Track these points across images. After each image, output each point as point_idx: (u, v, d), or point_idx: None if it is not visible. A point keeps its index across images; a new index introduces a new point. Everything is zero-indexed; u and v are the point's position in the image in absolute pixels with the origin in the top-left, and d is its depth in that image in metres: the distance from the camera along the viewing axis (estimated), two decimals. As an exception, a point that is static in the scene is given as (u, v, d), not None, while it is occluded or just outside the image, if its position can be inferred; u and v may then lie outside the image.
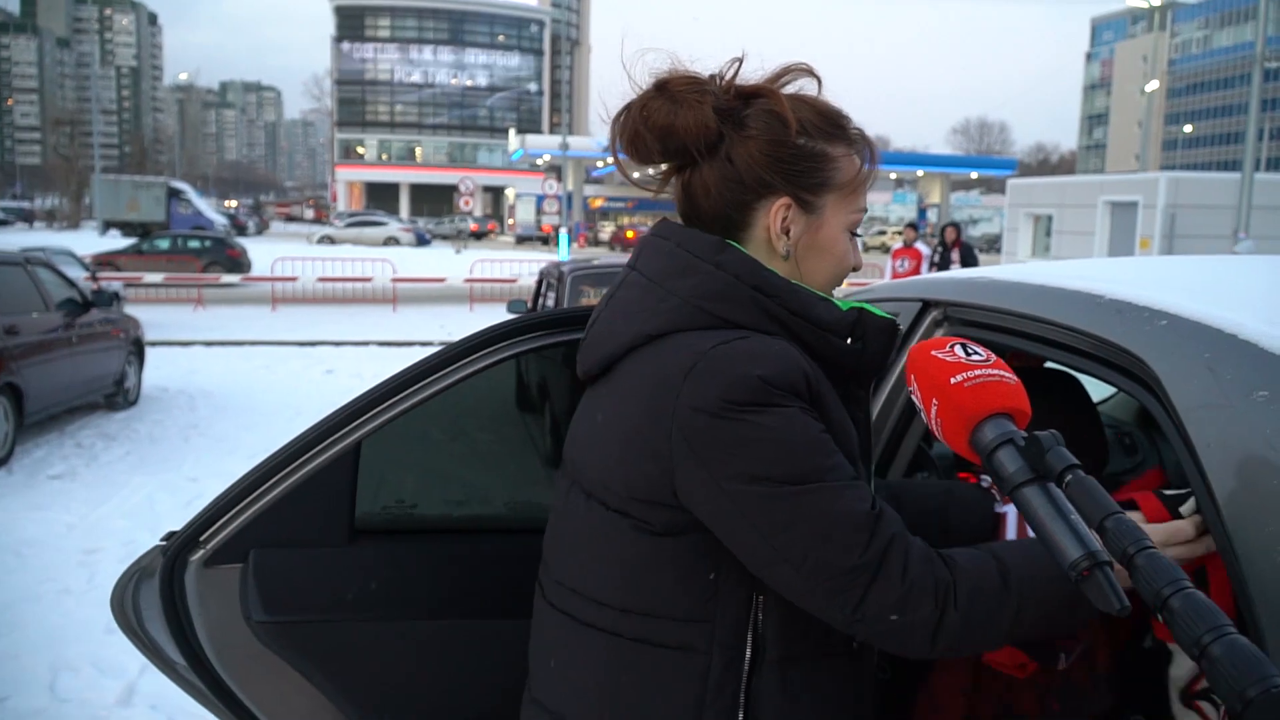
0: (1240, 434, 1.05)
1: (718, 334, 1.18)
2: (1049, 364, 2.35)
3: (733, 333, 1.18)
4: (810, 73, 1.29)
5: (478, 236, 55.99)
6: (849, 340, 1.24)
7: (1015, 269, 1.84)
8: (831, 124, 1.26)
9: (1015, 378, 1.08)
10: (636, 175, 1.33)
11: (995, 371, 1.07)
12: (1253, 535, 0.99)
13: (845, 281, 1.37)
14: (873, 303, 2.13)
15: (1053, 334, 1.48)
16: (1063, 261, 2.08)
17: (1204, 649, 0.80)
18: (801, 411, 1.14)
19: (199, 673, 1.57)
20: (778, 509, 1.10)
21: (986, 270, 1.90)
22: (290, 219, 79.43)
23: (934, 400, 1.08)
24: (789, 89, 1.28)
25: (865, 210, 1.30)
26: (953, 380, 1.06)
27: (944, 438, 1.08)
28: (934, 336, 1.92)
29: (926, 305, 1.92)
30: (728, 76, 1.26)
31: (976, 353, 1.10)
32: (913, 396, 1.13)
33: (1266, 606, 0.95)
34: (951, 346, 1.11)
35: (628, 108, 1.25)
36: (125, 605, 1.62)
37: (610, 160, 1.31)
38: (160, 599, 1.54)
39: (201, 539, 1.53)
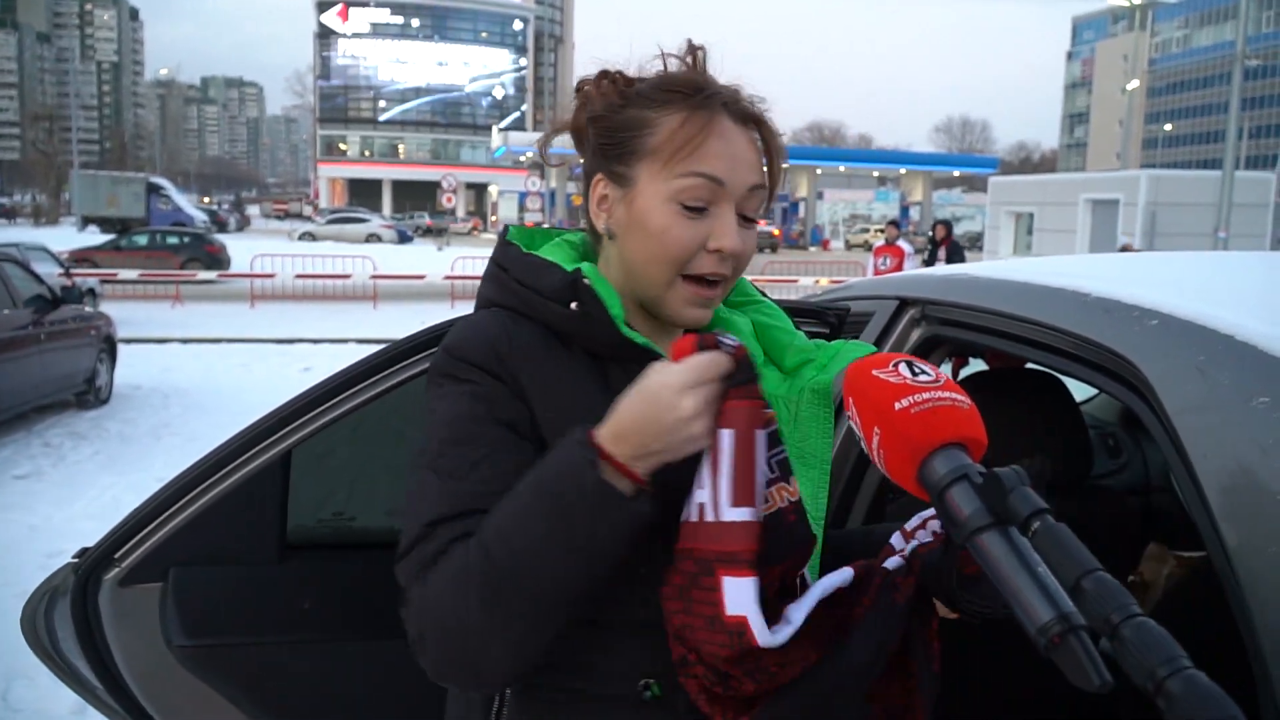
0: (1238, 443, 0.97)
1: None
2: (1030, 364, 2.29)
3: (474, 312, 1.19)
4: (691, 49, 1.17)
5: (432, 233, 55.70)
6: (571, 305, 1.10)
7: (997, 265, 1.76)
8: (664, 89, 1.12)
9: (969, 401, 0.93)
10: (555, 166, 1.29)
11: (947, 394, 0.92)
12: (1251, 549, 0.93)
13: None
14: (848, 299, 2.07)
15: (1035, 334, 1.40)
16: (1046, 258, 2.00)
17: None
18: (469, 385, 1.07)
19: (118, 698, 1.47)
20: (408, 489, 1.06)
21: (966, 267, 1.82)
22: (287, 215, 79.02)
23: (875, 429, 0.92)
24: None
25: (707, 178, 1.08)
26: (897, 405, 0.91)
27: (888, 471, 0.93)
28: (911, 335, 1.84)
29: (904, 303, 1.84)
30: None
31: (924, 372, 0.95)
32: (851, 423, 0.97)
33: (1264, 618, 0.90)
34: (895, 365, 0.96)
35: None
36: (38, 626, 1.51)
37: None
38: (73, 621, 1.43)
39: (116, 556, 1.42)
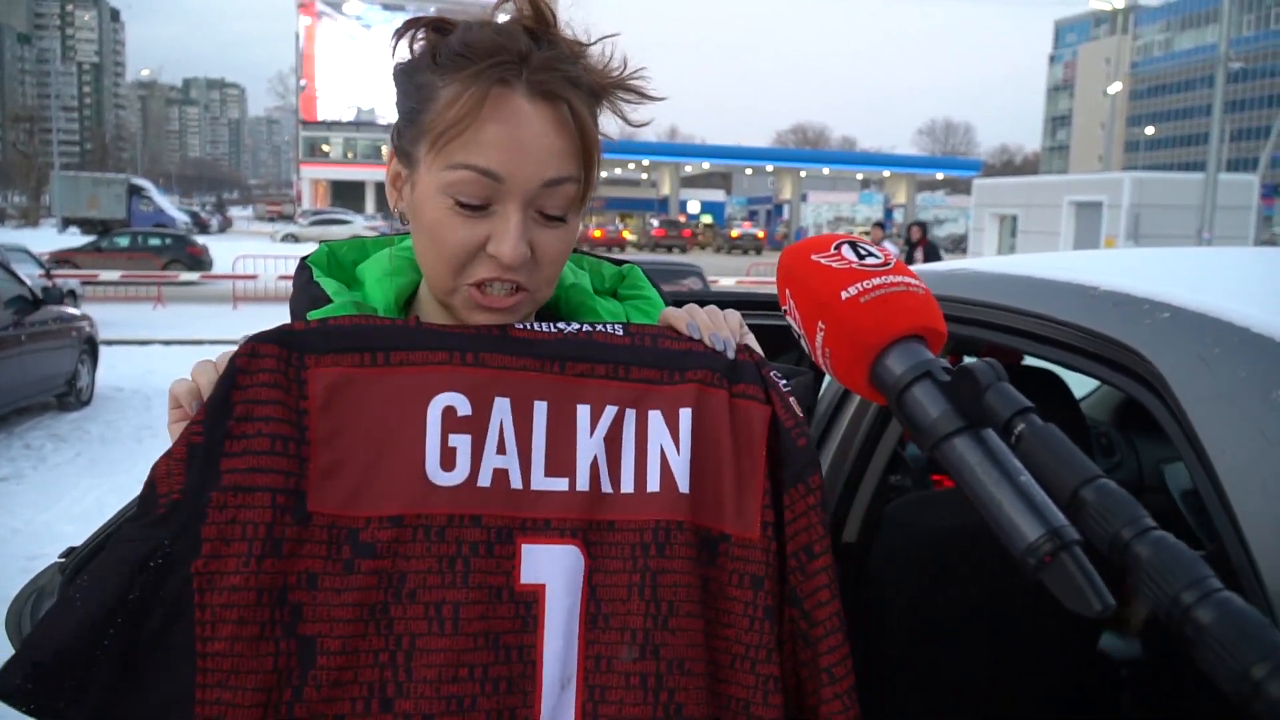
0: (1257, 436, 0.95)
1: None
2: (1028, 361, 2.28)
3: None
4: (530, 6, 0.92)
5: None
6: None
7: (998, 261, 1.74)
8: (457, 52, 0.89)
9: (924, 286, 0.81)
10: None
11: (900, 279, 0.79)
12: (1273, 543, 0.90)
13: None
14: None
15: (1042, 329, 1.38)
16: (1049, 254, 1.99)
17: (1257, 687, 0.54)
18: None
19: None
20: None
21: (968, 262, 1.80)
22: (280, 216, 78.74)
23: (820, 324, 0.79)
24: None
25: (476, 169, 0.87)
26: (844, 294, 0.77)
27: (835, 373, 0.80)
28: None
29: (904, 299, 1.82)
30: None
31: (872, 254, 0.82)
32: (789, 319, 0.85)
33: None
34: (838, 247, 0.83)
35: None
36: (23, 625, 1.47)
37: None
38: None
39: None
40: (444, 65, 0.89)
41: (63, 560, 1.43)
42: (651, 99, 0.98)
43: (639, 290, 1.15)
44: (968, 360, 0.72)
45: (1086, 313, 1.28)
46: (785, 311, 0.85)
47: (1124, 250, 1.94)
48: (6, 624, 1.48)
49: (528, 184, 0.89)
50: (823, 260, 0.81)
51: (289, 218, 63.70)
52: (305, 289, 1.01)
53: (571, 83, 0.90)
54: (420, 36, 0.94)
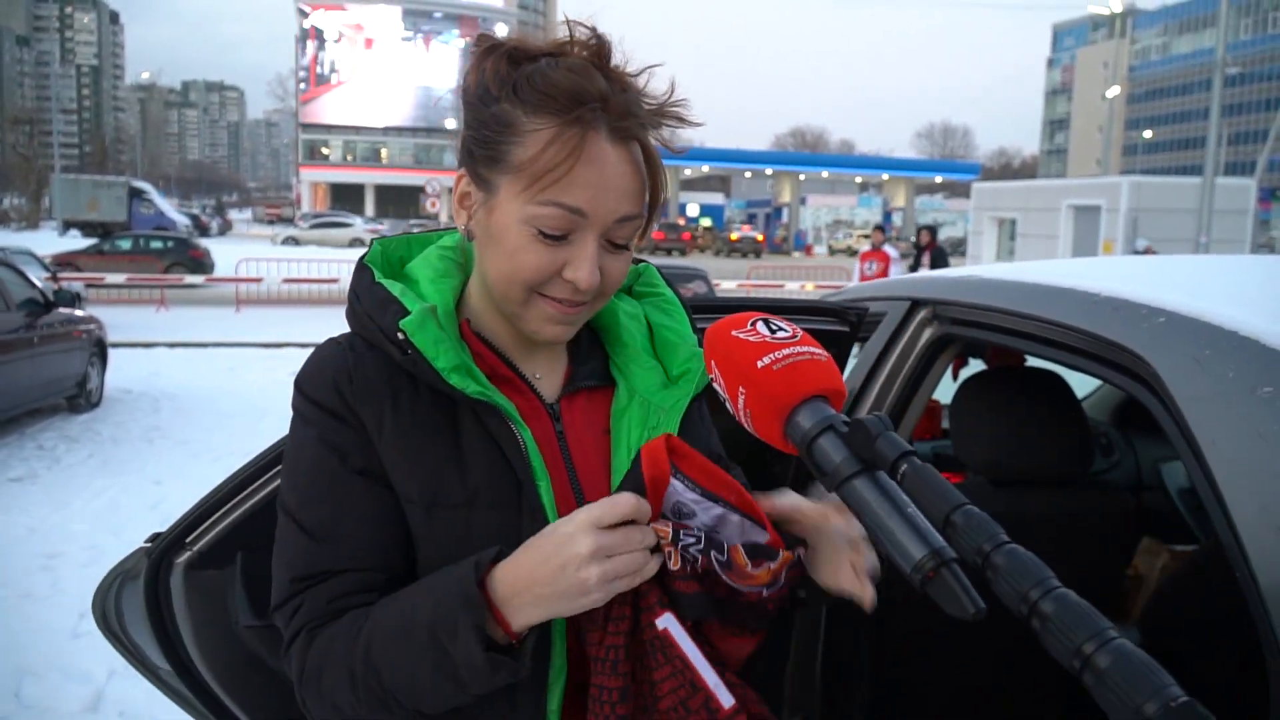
0: (1245, 431, 1.03)
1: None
2: (1030, 363, 2.37)
3: (336, 337, 1.11)
4: (594, 40, 1.01)
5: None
6: (408, 351, 1.01)
7: (1004, 267, 1.83)
8: (545, 93, 0.97)
9: (826, 354, 0.94)
10: None
11: (805, 349, 0.92)
12: (1261, 533, 0.98)
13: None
14: (859, 301, 2.14)
15: (1047, 332, 1.47)
16: (1051, 260, 2.08)
17: (1087, 660, 0.66)
18: (316, 430, 1.03)
19: (184, 678, 1.53)
20: (280, 505, 1.06)
21: (976, 269, 1.90)
22: (279, 219, 78.70)
23: (740, 389, 0.92)
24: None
25: (566, 208, 0.98)
26: (759, 364, 0.90)
27: (755, 429, 0.93)
28: (922, 334, 1.92)
29: (915, 304, 1.92)
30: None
31: (782, 329, 0.95)
32: (715, 385, 0.97)
33: (1273, 595, 0.94)
34: (754, 324, 0.95)
35: None
36: (107, 609, 1.57)
37: None
38: (144, 603, 1.49)
39: (188, 541, 1.48)
40: (528, 102, 0.98)
41: (149, 545, 1.52)
42: (694, 125, 1.07)
43: (655, 288, 1.25)
44: (862, 417, 0.84)
45: (1088, 317, 1.37)
46: (713, 379, 0.97)
47: (1121, 258, 2.03)
48: (93, 606, 1.57)
49: (606, 219, 1.00)
50: (741, 335, 0.94)
51: (288, 220, 63.69)
52: (371, 291, 1.07)
53: (643, 125, 1.01)
54: (490, 64, 1.01)
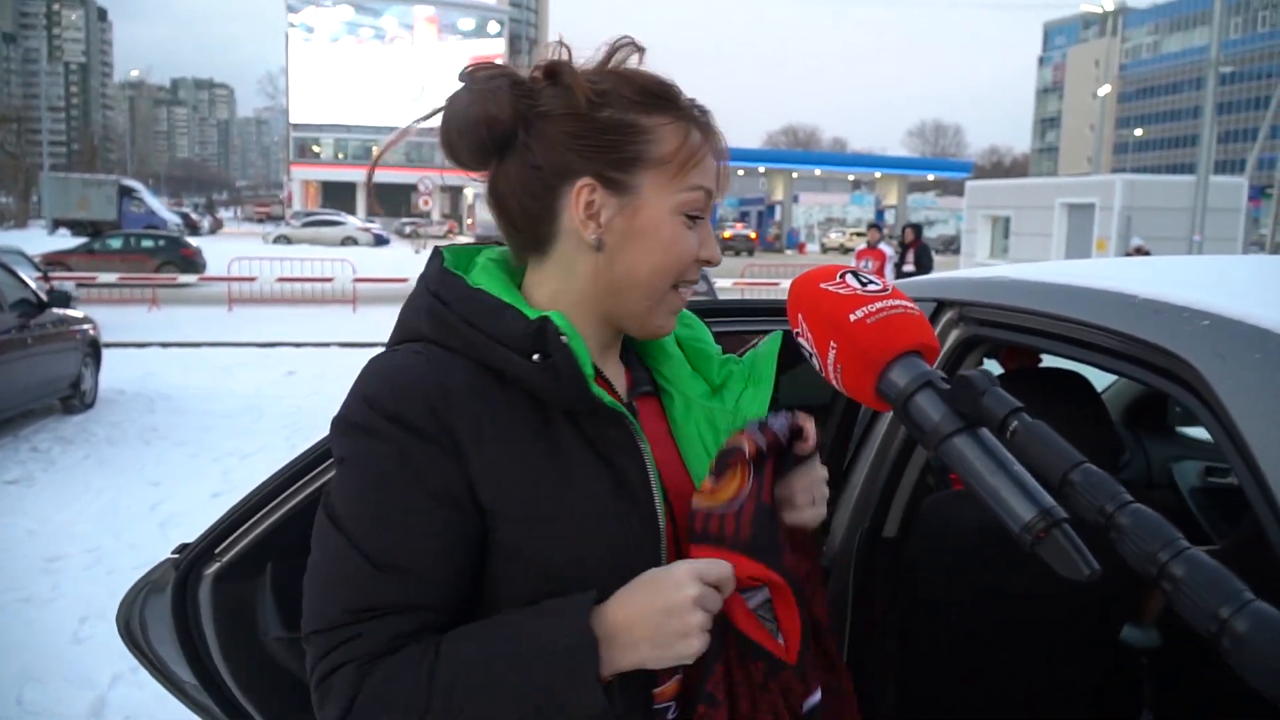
0: None
1: (393, 346, 1.07)
2: (1045, 362, 2.35)
3: (400, 346, 1.05)
4: (636, 47, 1.09)
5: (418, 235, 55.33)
6: (536, 356, 0.99)
7: (1033, 268, 1.81)
8: (648, 93, 1.05)
9: (918, 308, 0.92)
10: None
11: (898, 302, 0.91)
12: None
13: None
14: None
15: (1082, 334, 1.45)
16: (1080, 261, 2.06)
17: (1224, 624, 0.65)
18: (393, 447, 0.96)
19: (211, 692, 1.49)
20: (318, 528, 0.99)
21: (1003, 269, 1.88)
22: (268, 217, 78.50)
23: (831, 343, 0.90)
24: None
25: (707, 191, 1.06)
26: (852, 317, 0.89)
27: (844, 387, 0.91)
28: (949, 335, 1.90)
29: (941, 305, 1.90)
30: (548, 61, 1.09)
31: (872, 281, 0.94)
32: (800, 340, 0.96)
33: None
34: (843, 275, 0.94)
35: (440, 108, 1.08)
36: (132, 621, 1.54)
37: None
38: (172, 614, 1.46)
39: (216, 551, 1.45)
40: (639, 103, 1.04)
41: (176, 556, 1.49)
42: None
43: None
44: (967, 372, 0.82)
45: (1127, 319, 1.35)
46: (798, 334, 0.96)
47: (1144, 259, 2.02)
48: (118, 618, 1.54)
49: (713, 199, 1.08)
50: (830, 288, 0.93)
51: (278, 219, 63.54)
52: (472, 297, 1.03)
53: (710, 120, 1.10)
54: (573, 80, 1.04)
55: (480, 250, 1.14)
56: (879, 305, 0.89)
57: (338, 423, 1.02)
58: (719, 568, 0.95)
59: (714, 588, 0.95)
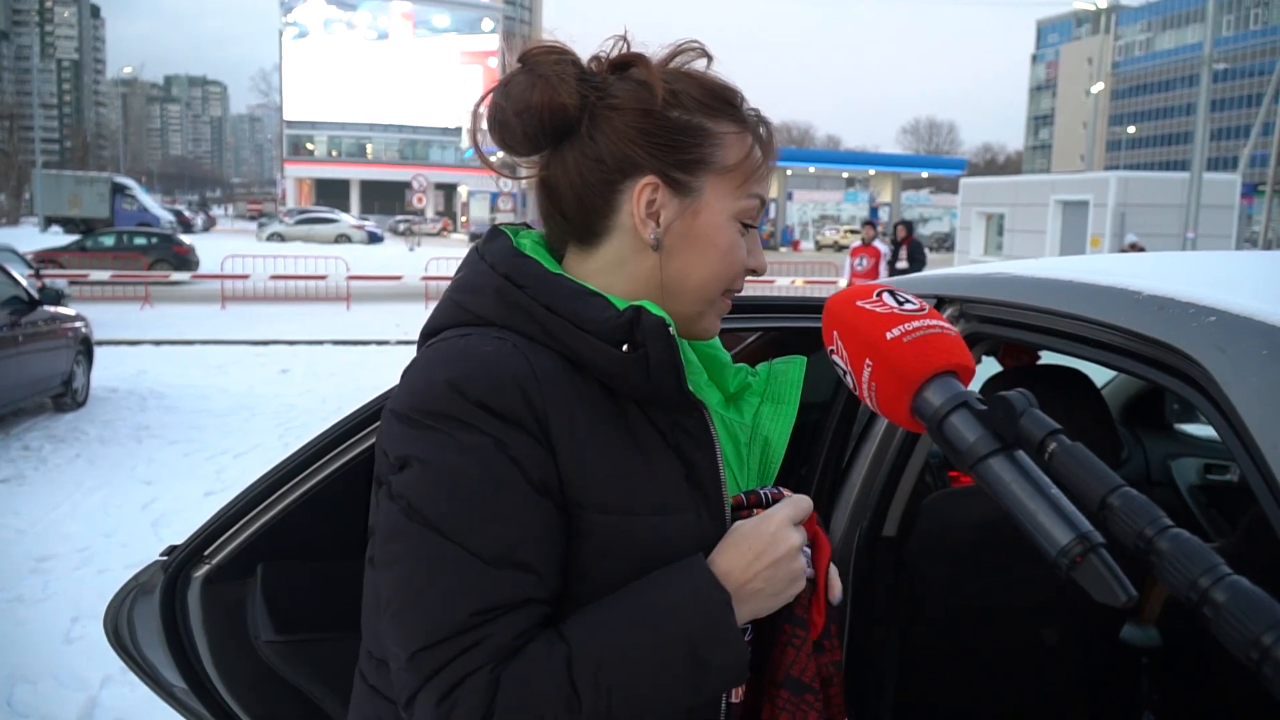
0: None
1: (455, 330, 1.00)
2: (1044, 359, 2.34)
3: (468, 329, 0.99)
4: (704, 52, 1.08)
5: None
6: (624, 347, 0.96)
7: (1034, 264, 1.80)
8: (716, 98, 1.05)
9: (955, 329, 0.92)
10: (495, 160, 1.15)
11: (935, 322, 0.90)
12: None
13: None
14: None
15: (1086, 330, 1.44)
16: (1081, 257, 2.05)
17: (1266, 651, 0.64)
18: (489, 439, 0.91)
19: (200, 696, 1.47)
20: (400, 542, 0.91)
21: (1004, 265, 1.86)
22: (261, 215, 78.34)
23: (867, 361, 0.90)
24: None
25: (762, 200, 1.07)
26: (889, 335, 0.88)
27: (878, 406, 0.90)
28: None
29: (941, 301, 1.88)
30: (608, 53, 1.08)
31: (909, 300, 0.93)
32: (834, 359, 0.95)
33: None
34: (880, 294, 0.94)
35: (495, 89, 1.06)
36: (120, 625, 1.51)
37: (469, 146, 1.15)
38: (160, 618, 1.43)
39: (206, 553, 1.42)
40: (706, 107, 1.04)
41: (164, 559, 1.46)
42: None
43: None
44: (1005, 393, 0.81)
45: (1132, 316, 1.34)
46: (831, 351, 0.96)
47: (1146, 254, 2.00)
48: (105, 621, 1.52)
49: (765, 208, 1.09)
50: (867, 306, 0.92)
51: (271, 216, 63.34)
52: (552, 282, 1.00)
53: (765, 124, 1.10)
54: (643, 73, 1.04)
55: (517, 233, 1.10)
56: (916, 324, 0.89)
57: (408, 414, 0.94)
58: (802, 505, 1.01)
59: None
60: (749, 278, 1.10)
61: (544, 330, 0.97)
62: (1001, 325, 1.72)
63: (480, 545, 0.89)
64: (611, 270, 1.05)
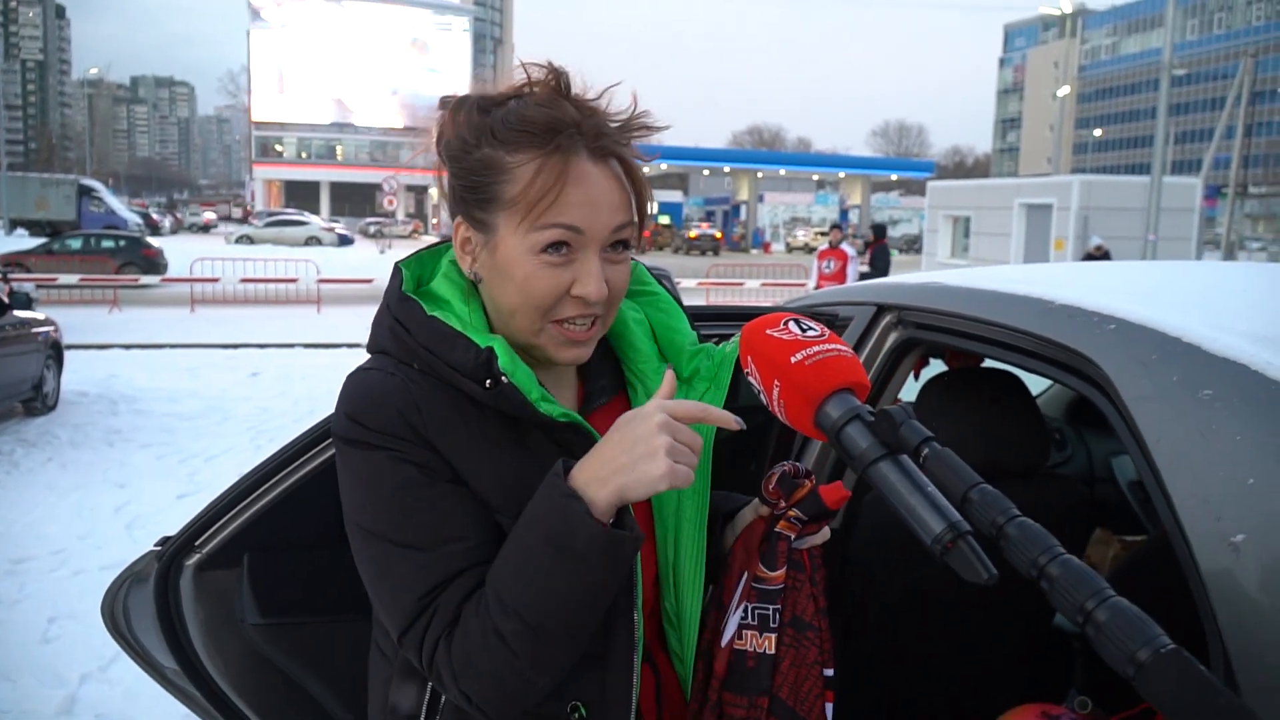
0: (1188, 429, 1.12)
1: (370, 358, 1.15)
2: (987, 364, 2.46)
3: (375, 360, 1.13)
4: (551, 76, 1.10)
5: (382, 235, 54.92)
6: (488, 383, 1.06)
7: (967, 274, 1.92)
8: (521, 130, 1.06)
9: (851, 350, 1.05)
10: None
11: (833, 346, 1.03)
12: (1202, 524, 1.05)
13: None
14: (826, 306, 2.23)
15: (1006, 337, 1.56)
16: (1010, 267, 2.18)
17: (1088, 615, 0.78)
18: (389, 451, 1.05)
19: (192, 678, 1.58)
20: (359, 551, 1.08)
21: (939, 275, 1.99)
22: (229, 219, 77.39)
23: (775, 382, 1.02)
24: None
25: (565, 226, 1.06)
26: (793, 359, 1.01)
27: (787, 419, 1.03)
28: (888, 338, 2.01)
29: (881, 309, 2.00)
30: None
31: (811, 328, 1.06)
32: (750, 379, 1.08)
33: (1219, 592, 1.00)
34: (786, 323, 1.06)
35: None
36: (116, 610, 1.62)
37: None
38: (154, 603, 1.55)
39: (197, 543, 1.54)
40: (508, 142, 1.06)
41: (159, 549, 1.58)
42: (660, 130, 1.16)
43: (648, 285, 1.34)
44: (887, 407, 0.94)
45: (1044, 323, 1.46)
46: (748, 373, 1.08)
47: (1072, 265, 2.14)
48: (102, 608, 1.62)
49: (601, 233, 1.08)
50: (775, 334, 1.05)
51: (225, 219, 62.50)
52: (429, 325, 1.10)
53: (616, 141, 1.10)
54: (462, 117, 1.10)
55: (447, 250, 1.20)
56: (816, 349, 1.02)
57: (335, 440, 1.10)
58: (687, 405, 1.03)
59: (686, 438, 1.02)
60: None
61: (429, 367, 1.09)
62: (935, 331, 1.84)
63: (409, 538, 1.04)
64: (483, 297, 1.16)
